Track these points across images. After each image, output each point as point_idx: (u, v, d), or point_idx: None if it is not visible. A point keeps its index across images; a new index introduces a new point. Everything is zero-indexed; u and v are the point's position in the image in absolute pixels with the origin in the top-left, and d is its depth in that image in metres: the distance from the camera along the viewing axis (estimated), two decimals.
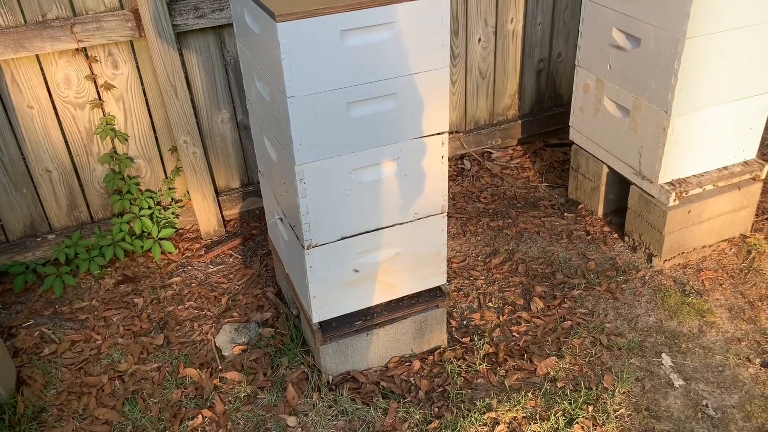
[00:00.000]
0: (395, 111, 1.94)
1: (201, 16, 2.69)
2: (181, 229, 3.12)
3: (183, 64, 2.76)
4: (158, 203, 3.00)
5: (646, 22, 2.48)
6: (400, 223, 2.13)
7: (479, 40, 3.39)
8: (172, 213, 3.02)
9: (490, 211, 3.20)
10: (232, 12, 2.16)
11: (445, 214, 2.18)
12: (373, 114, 1.92)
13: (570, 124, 3.09)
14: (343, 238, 2.08)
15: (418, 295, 2.30)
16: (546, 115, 3.75)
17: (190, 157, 2.89)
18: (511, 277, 2.76)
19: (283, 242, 2.34)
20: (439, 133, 2.04)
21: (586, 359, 2.36)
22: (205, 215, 3.03)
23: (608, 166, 2.93)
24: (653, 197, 2.69)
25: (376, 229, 2.11)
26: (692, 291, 2.64)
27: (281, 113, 1.88)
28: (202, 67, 2.84)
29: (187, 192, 3.04)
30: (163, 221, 2.97)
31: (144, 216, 2.90)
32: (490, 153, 3.68)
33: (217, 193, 3.09)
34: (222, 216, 3.12)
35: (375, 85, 1.88)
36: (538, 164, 3.56)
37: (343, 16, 1.74)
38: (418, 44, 1.87)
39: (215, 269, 2.90)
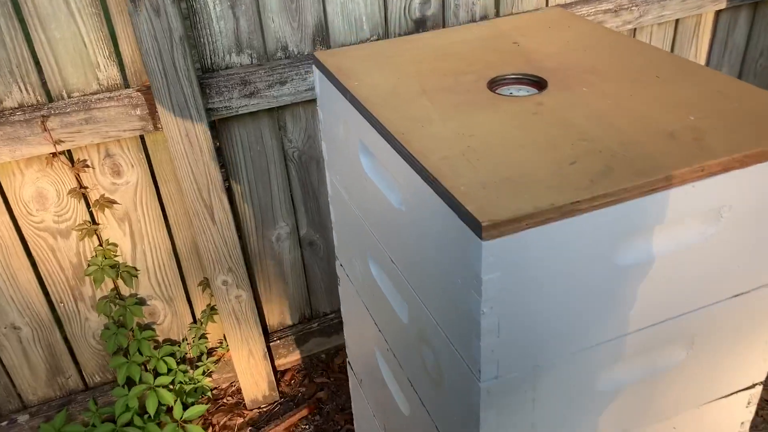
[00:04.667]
0: (684, 367, 0.94)
1: (251, 94, 1.69)
2: (215, 388, 2.14)
3: (221, 162, 1.77)
4: (182, 359, 2.02)
5: None
6: None
7: None
8: (203, 372, 2.03)
9: None
10: (322, 132, 1.16)
11: None
12: (643, 379, 0.92)
13: None
14: None
15: None
16: None
17: (233, 302, 1.90)
18: None
19: None
20: (747, 388, 1.03)
21: None
22: (252, 377, 2.04)
23: None
24: None
25: None
26: None
27: (452, 393, 0.88)
28: (251, 165, 1.84)
29: (224, 337, 2.06)
30: (189, 388, 1.99)
31: (160, 386, 1.92)
32: None
33: (267, 337, 2.10)
34: (274, 369, 2.13)
35: (657, 328, 0.87)
36: None
37: (619, 208, 0.73)
38: (750, 244, 0.86)
39: None
